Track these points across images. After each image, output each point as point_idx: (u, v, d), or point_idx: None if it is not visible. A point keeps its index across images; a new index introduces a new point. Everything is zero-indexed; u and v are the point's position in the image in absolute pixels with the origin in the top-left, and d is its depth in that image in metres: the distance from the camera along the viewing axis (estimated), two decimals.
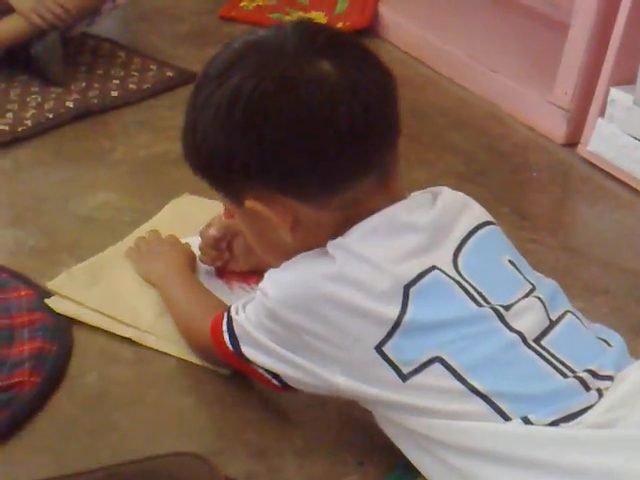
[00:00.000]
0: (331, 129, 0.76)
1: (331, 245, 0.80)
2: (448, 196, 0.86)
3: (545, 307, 0.81)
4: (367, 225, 0.79)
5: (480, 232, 0.85)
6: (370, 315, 0.76)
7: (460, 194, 0.88)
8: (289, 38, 0.79)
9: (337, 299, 0.77)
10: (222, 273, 1.14)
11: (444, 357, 0.75)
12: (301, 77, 0.76)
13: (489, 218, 0.88)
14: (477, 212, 0.88)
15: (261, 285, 0.83)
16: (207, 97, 0.79)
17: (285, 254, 0.83)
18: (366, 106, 0.77)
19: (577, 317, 0.84)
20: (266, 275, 0.84)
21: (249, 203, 0.81)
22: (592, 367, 0.78)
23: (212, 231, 1.09)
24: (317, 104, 0.76)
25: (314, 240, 0.81)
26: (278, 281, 0.82)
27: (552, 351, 0.78)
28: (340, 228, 0.80)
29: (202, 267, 1.15)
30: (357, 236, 0.79)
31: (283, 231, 0.81)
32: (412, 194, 0.86)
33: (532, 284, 0.84)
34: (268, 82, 0.76)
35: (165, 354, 1.03)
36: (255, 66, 0.77)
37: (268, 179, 0.79)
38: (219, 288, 1.11)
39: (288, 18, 2.22)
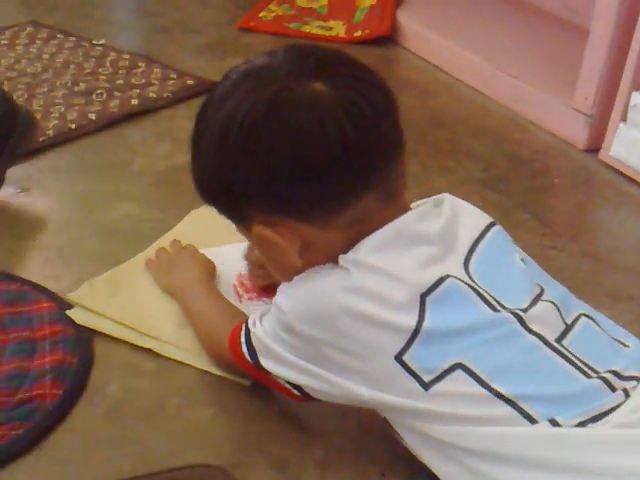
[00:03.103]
0: (322, 149, 0.76)
1: (343, 259, 0.80)
2: (451, 203, 0.86)
3: (559, 310, 0.81)
4: (376, 238, 0.79)
5: (487, 235, 0.85)
6: (388, 325, 0.76)
7: (460, 200, 0.89)
8: (281, 62, 0.79)
9: (354, 311, 0.77)
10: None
11: (465, 363, 0.75)
12: (292, 99, 0.76)
13: (491, 219, 0.88)
14: (479, 216, 0.88)
15: (275, 300, 0.83)
16: (205, 126, 0.81)
17: (298, 271, 0.83)
18: (358, 125, 0.76)
19: (592, 319, 0.84)
20: (279, 289, 0.84)
21: (256, 229, 0.81)
22: (615, 368, 0.77)
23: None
24: (307, 125, 0.75)
25: (324, 259, 0.81)
26: (292, 295, 0.82)
27: (574, 352, 0.77)
28: (350, 245, 0.80)
29: (222, 278, 1.15)
30: (368, 249, 0.79)
31: (291, 254, 0.82)
32: (414, 204, 0.85)
33: (541, 287, 0.83)
34: (258, 106, 0.76)
35: (186, 365, 1.03)
36: (247, 92, 0.77)
37: (268, 204, 0.79)
38: (236, 300, 1.11)
39: (307, 28, 2.23)
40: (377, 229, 0.80)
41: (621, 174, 1.55)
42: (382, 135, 0.79)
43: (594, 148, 1.63)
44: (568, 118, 1.67)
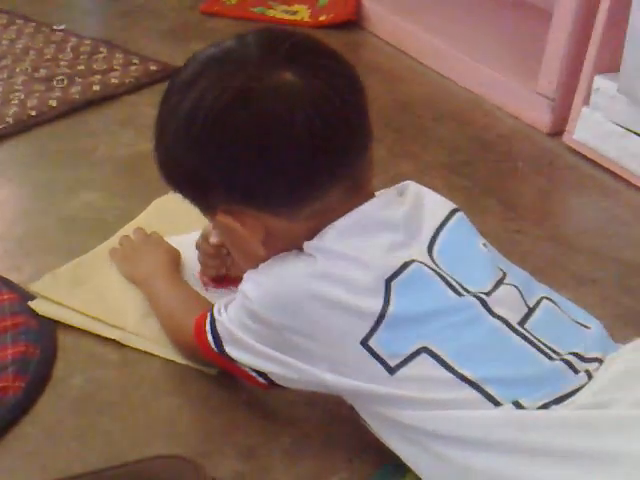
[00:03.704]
0: (290, 141, 0.75)
1: (308, 246, 0.79)
2: (414, 190, 0.86)
3: (521, 294, 0.82)
4: (340, 225, 0.79)
5: (450, 222, 0.85)
6: (354, 310, 0.76)
7: (424, 187, 0.89)
8: (251, 48, 0.77)
9: (320, 296, 0.77)
10: (223, 281, 1.11)
11: (431, 347, 0.75)
12: (260, 88, 0.74)
13: (454, 206, 0.88)
14: (442, 202, 0.88)
15: (241, 287, 0.83)
16: (170, 110, 0.79)
17: (259, 263, 0.83)
18: (327, 119, 0.75)
19: (553, 302, 0.84)
20: (245, 276, 0.84)
21: (219, 217, 0.80)
22: (577, 350, 0.78)
23: (212, 239, 1.05)
24: (275, 117, 0.74)
25: (288, 248, 0.81)
26: (258, 282, 0.81)
27: (536, 335, 0.78)
28: (314, 233, 0.80)
29: (187, 266, 1.14)
30: (333, 236, 0.79)
31: (254, 243, 0.81)
32: (378, 193, 0.85)
33: (503, 271, 0.84)
34: (226, 95, 0.74)
35: (151, 355, 1.02)
36: (215, 78, 0.76)
37: (233, 193, 0.78)
38: (201, 288, 1.10)
39: (271, 12, 2.21)
40: (342, 217, 0.79)
41: (584, 157, 1.57)
42: (350, 129, 0.78)
43: (558, 132, 1.64)
44: (532, 102, 1.68)
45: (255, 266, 0.83)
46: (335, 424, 0.94)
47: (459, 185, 1.43)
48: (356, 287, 0.76)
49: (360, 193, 0.81)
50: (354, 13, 2.13)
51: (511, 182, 1.52)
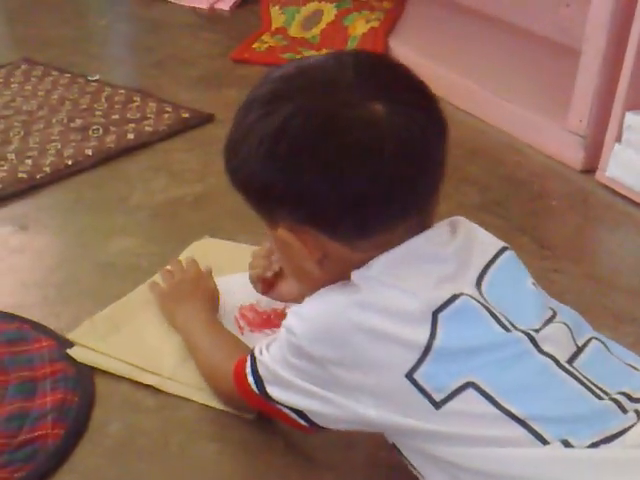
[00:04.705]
0: (369, 175, 0.75)
1: (355, 275, 0.79)
2: (465, 226, 0.86)
3: (571, 332, 0.80)
4: (391, 256, 0.78)
5: (500, 259, 0.84)
6: (399, 341, 0.75)
7: (474, 224, 0.88)
8: (346, 71, 0.77)
9: (365, 326, 0.76)
10: (268, 287, 1.10)
11: (477, 382, 0.74)
12: (350, 117, 0.74)
13: (504, 244, 0.87)
14: (492, 239, 0.87)
15: (285, 322, 0.83)
16: (253, 123, 0.78)
17: (312, 282, 0.83)
18: (408, 155, 0.75)
19: (603, 343, 0.83)
20: (290, 312, 0.83)
21: (281, 232, 0.80)
22: (626, 390, 0.76)
23: (267, 243, 1.07)
24: (359, 148, 0.74)
25: (343, 273, 0.80)
26: (303, 316, 0.81)
27: (584, 374, 0.76)
28: (368, 261, 0.79)
29: (224, 309, 1.15)
30: (382, 266, 0.78)
31: (310, 263, 0.81)
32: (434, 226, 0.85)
33: (553, 310, 0.83)
34: (316, 121, 0.74)
35: (188, 400, 1.02)
36: (305, 99, 0.76)
37: (302, 214, 0.78)
38: (237, 332, 1.11)
39: (300, 57, 2.24)
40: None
41: (618, 194, 1.56)
42: (428, 169, 0.78)
43: (590, 169, 1.64)
44: (563, 140, 1.68)
45: (304, 283, 0.84)
46: (374, 467, 0.93)
47: (493, 224, 1.41)
48: (402, 317, 0.76)
49: (423, 229, 0.81)
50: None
51: (545, 221, 1.51)
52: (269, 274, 1.08)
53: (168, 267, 1.21)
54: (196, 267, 1.20)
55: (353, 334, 0.77)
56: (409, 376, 0.75)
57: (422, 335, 0.75)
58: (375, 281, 0.78)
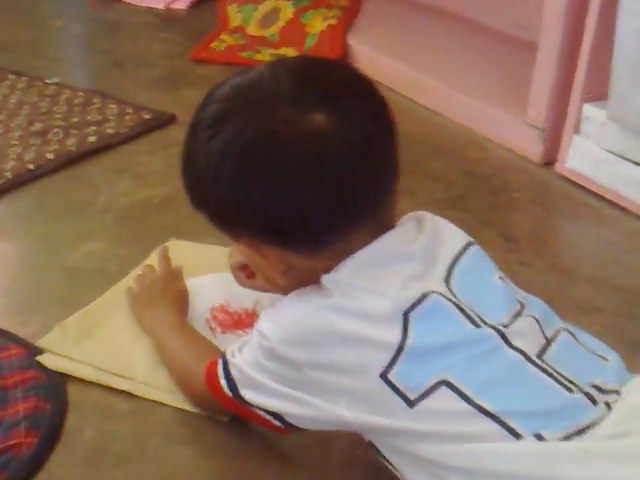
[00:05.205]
0: (315, 189, 0.75)
1: (326, 279, 0.80)
2: (431, 221, 0.87)
3: (540, 325, 0.82)
4: (358, 258, 0.79)
5: (466, 254, 0.85)
6: (372, 343, 0.76)
7: (439, 218, 0.89)
8: (282, 84, 0.77)
9: (338, 330, 0.77)
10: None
11: (450, 380, 0.75)
12: (292, 133, 0.75)
13: (470, 239, 0.88)
14: (458, 234, 0.88)
15: (258, 326, 0.83)
16: (200, 146, 0.79)
17: (280, 288, 0.85)
18: (354, 166, 0.76)
19: (571, 334, 0.85)
20: (262, 315, 0.84)
21: (242, 248, 0.82)
22: (596, 382, 0.78)
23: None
24: (303, 163, 0.75)
25: (310, 279, 0.81)
26: (276, 320, 0.82)
27: (555, 367, 0.78)
28: (334, 267, 0.80)
29: (195, 311, 1.15)
30: (349, 269, 0.79)
31: (275, 274, 0.82)
32: (398, 222, 0.86)
33: (521, 302, 0.84)
34: (259, 139, 0.75)
35: (162, 404, 1.02)
36: (244, 120, 0.76)
37: (258, 231, 0.79)
38: (209, 334, 1.11)
39: (259, 56, 2.24)
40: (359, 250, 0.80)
41: (578, 186, 1.59)
42: (376, 176, 0.79)
43: (550, 161, 1.67)
44: (523, 133, 1.70)
45: (275, 288, 0.85)
46: (351, 466, 0.93)
47: (457, 219, 1.41)
48: (373, 319, 0.76)
49: (382, 230, 0.81)
50: (341, 54, 2.16)
51: (508, 214, 1.53)
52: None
53: (140, 272, 1.21)
54: (167, 265, 1.20)
55: (326, 337, 0.78)
56: (383, 376, 0.76)
57: (394, 336, 0.75)
58: (345, 284, 0.78)
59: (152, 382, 1.04)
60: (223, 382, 0.88)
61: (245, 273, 1.06)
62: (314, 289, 0.81)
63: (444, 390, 0.75)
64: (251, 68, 0.81)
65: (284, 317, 0.81)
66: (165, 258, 1.22)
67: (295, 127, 0.75)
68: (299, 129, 0.75)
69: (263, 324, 0.82)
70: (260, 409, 0.86)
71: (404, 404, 0.76)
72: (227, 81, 0.81)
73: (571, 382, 0.77)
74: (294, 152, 0.75)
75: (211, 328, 1.13)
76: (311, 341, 0.78)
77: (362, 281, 0.78)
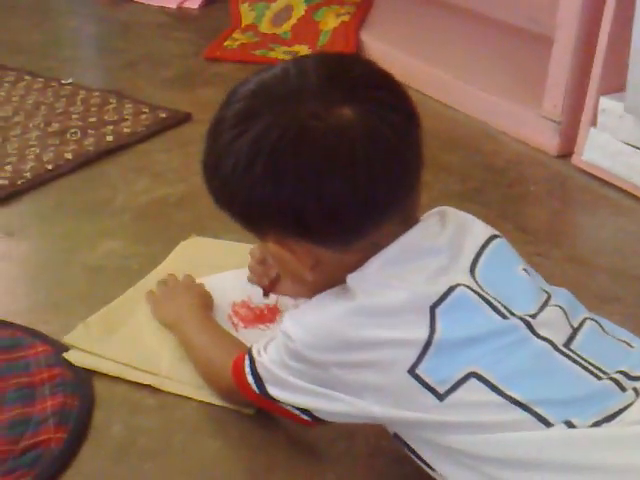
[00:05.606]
0: (348, 183, 0.75)
1: (350, 279, 0.80)
2: (454, 215, 0.87)
3: (566, 315, 0.82)
4: (385, 255, 0.80)
5: (490, 246, 0.85)
6: (398, 340, 0.76)
7: (462, 212, 0.89)
8: (308, 79, 0.77)
9: (363, 334, 0.77)
10: (269, 289, 1.09)
11: (479, 372, 0.75)
12: (319, 128, 0.74)
13: (494, 232, 0.89)
14: (482, 227, 0.88)
15: (283, 327, 0.83)
16: (226, 145, 0.78)
17: (308, 285, 0.85)
18: (383, 157, 0.76)
19: (597, 322, 0.85)
20: (287, 316, 0.84)
21: (270, 245, 0.81)
22: (623, 368, 0.78)
23: (256, 254, 1.07)
24: (334, 157, 0.75)
25: (338, 275, 0.81)
26: (301, 323, 0.82)
27: (582, 355, 0.78)
28: (362, 263, 0.80)
29: (217, 307, 1.16)
30: (375, 267, 0.79)
31: (303, 270, 0.82)
32: (422, 218, 0.86)
33: (547, 292, 0.84)
34: (287, 136, 0.75)
35: (188, 398, 1.03)
36: (273, 115, 0.76)
37: (287, 227, 0.79)
38: (232, 329, 1.12)
39: (273, 54, 2.24)
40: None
41: (594, 177, 1.59)
42: (405, 168, 0.79)
43: (566, 154, 1.67)
44: (538, 126, 1.71)
45: (302, 288, 0.85)
46: (376, 457, 0.94)
47: (473, 212, 1.42)
48: (399, 316, 0.77)
49: (409, 224, 0.82)
50: (355, 49, 2.17)
51: (525, 206, 1.53)
52: (266, 281, 1.08)
53: (163, 280, 1.21)
54: (190, 278, 1.21)
55: (351, 342, 0.78)
56: (411, 372, 0.76)
57: (422, 331, 0.76)
58: (370, 283, 0.79)
59: (176, 377, 1.05)
60: (250, 379, 0.89)
61: (263, 288, 1.08)
62: (337, 292, 0.81)
63: (473, 382, 0.75)
64: (272, 66, 0.81)
65: (309, 320, 0.82)
66: (188, 275, 1.22)
67: (324, 122, 0.75)
68: (328, 123, 0.75)
69: (288, 325, 0.83)
70: (288, 405, 0.86)
71: (434, 398, 0.76)
72: (249, 79, 0.81)
73: (599, 369, 0.77)
74: (325, 147, 0.75)
75: (233, 323, 1.14)
76: (336, 346, 0.79)
77: (388, 278, 0.78)
